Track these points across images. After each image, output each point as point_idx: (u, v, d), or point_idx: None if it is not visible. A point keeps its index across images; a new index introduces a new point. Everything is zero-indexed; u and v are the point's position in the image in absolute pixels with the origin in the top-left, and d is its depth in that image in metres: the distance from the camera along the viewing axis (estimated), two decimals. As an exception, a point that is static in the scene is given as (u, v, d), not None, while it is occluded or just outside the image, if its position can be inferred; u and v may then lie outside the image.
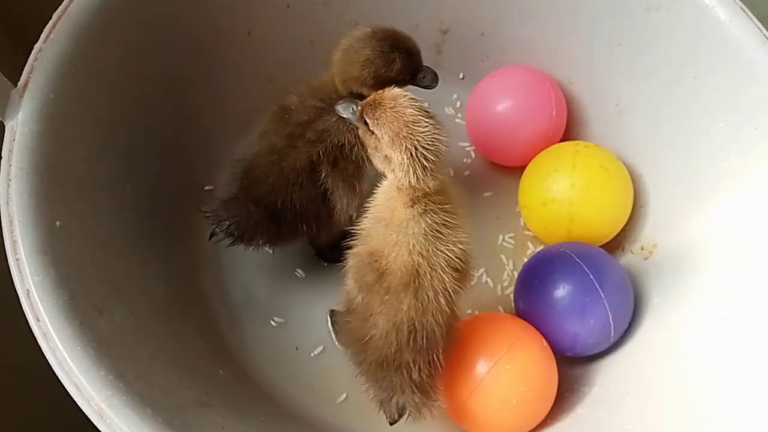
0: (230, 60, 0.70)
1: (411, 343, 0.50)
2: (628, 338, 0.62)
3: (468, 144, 0.77)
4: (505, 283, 0.69)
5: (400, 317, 0.49)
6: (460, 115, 0.79)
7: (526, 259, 0.67)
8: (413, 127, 0.46)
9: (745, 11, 0.57)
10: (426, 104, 0.48)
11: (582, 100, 0.73)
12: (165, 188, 0.65)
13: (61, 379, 0.44)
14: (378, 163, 0.50)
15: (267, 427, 0.56)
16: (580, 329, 0.59)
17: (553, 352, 0.59)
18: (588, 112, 0.73)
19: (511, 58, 0.75)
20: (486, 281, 0.69)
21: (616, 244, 0.69)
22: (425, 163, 0.46)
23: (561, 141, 0.72)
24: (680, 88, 0.62)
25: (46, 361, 0.45)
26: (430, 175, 0.47)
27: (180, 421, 0.46)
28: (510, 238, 0.72)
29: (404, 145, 0.46)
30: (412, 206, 0.49)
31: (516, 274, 0.69)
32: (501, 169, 0.75)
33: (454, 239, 0.50)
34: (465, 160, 0.77)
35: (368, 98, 0.49)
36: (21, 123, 0.50)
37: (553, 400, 0.58)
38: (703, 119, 0.60)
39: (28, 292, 0.45)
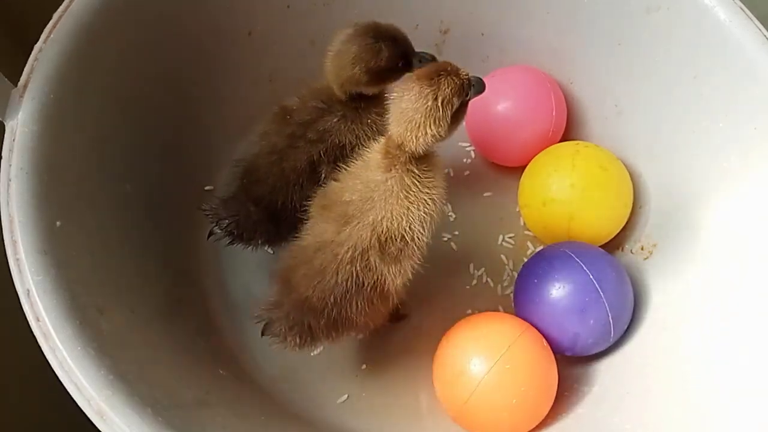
0: (230, 60, 0.70)
1: (304, 269, 0.52)
2: (628, 338, 0.62)
3: (468, 144, 0.77)
4: (505, 283, 0.69)
5: (317, 241, 0.52)
6: (460, 115, 0.79)
7: (526, 259, 0.67)
8: (447, 89, 0.49)
9: (745, 11, 0.57)
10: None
11: (582, 100, 0.73)
12: (165, 188, 0.65)
13: (61, 379, 0.44)
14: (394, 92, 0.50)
15: (267, 427, 0.56)
16: (580, 329, 0.59)
17: (553, 352, 0.59)
18: (588, 112, 0.73)
19: (511, 59, 0.75)
20: (486, 281, 0.69)
21: (616, 244, 0.69)
22: (428, 121, 0.48)
23: (561, 141, 0.72)
24: (680, 88, 0.62)
25: (46, 361, 0.45)
26: (418, 135, 0.48)
27: (180, 420, 0.46)
28: (510, 238, 0.72)
29: (432, 89, 0.48)
30: (384, 157, 0.51)
31: (516, 274, 0.69)
32: (501, 169, 0.75)
33: (399, 218, 0.51)
34: (465, 160, 0.77)
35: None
36: (21, 123, 0.50)
37: (553, 400, 0.58)
38: (703, 119, 0.60)
39: (28, 292, 0.45)
